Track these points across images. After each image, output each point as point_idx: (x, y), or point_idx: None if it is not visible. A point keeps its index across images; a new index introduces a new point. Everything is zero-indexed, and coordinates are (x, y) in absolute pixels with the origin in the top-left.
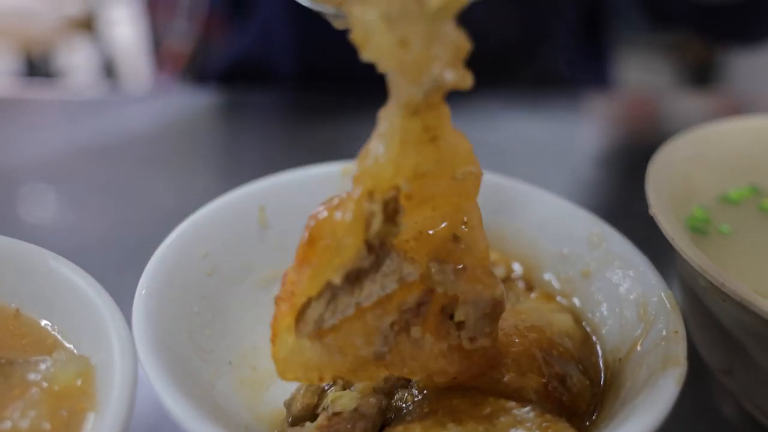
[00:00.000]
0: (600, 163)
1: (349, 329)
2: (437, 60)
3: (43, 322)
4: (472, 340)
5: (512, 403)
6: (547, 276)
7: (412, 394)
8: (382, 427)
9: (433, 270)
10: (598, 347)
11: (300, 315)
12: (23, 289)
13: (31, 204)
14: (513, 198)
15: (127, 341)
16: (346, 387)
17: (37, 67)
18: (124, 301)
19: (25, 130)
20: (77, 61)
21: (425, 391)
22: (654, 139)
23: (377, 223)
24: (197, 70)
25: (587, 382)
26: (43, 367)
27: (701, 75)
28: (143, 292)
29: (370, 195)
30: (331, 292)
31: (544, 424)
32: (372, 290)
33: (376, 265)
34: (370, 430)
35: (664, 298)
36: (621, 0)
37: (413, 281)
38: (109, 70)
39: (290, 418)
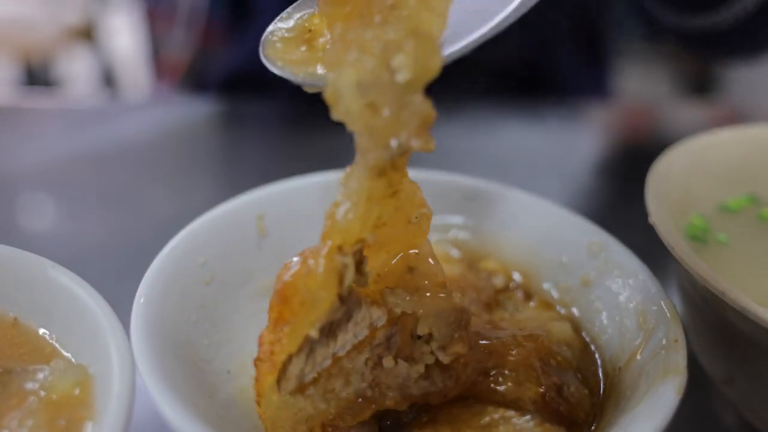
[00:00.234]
0: (599, 172)
1: (328, 377)
2: (404, 127)
3: (41, 331)
4: (444, 349)
5: (511, 412)
6: (546, 285)
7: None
8: None
9: (387, 296)
10: (598, 356)
11: (282, 372)
12: (21, 298)
13: (30, 212)
14: (512, 207)
15: (126, 350)
16: None
17: (36, 76)
18: (122, 309)
19: (24, 138)
20: (77, 70)
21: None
22: (653, 148)
23: (350, 275)
24: (196, 79)
25: (586, 392)
26: (41, 376)
27: (700, 84)
28: (141, 300)
29: (339, 249)
30: (309, 347)
31: None
32: (346, 339)
33: (348, 315)
34: None
35: (663, 306)
36: (619, 10)
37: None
38: (108, 79)
39: None
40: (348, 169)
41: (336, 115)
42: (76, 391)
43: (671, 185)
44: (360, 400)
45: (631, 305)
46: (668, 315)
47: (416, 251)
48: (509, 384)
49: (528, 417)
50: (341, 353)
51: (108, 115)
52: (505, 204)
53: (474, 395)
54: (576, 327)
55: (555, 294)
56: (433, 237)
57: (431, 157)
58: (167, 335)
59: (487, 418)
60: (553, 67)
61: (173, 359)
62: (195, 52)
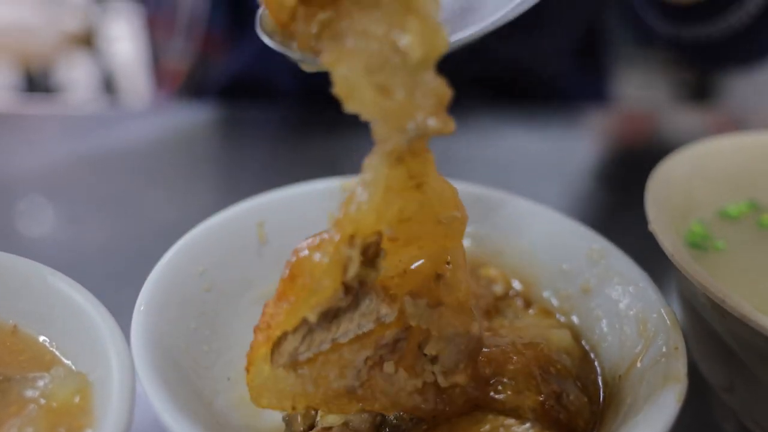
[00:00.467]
0: (599, 178)
1: (324, 362)
2: (420, 108)
3: (41, 338)
4: (446, 374)
5: (511, 420)
6: (546, 292)
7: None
8: None
9: (407, 304)
10: (597, 364)
11: (275, 347)
12: (21, 305)
13: (29, 218)
14: (512, 214)
15: (126, 358)
16: None
17: (36, 83)
18: (122, 315)
19: (24, 144)
20: (77, 76)
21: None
22: (652, 155)
23: (353, 268)
24: (196, 86)
25: (585, 400)
26: (40, 383)
27: (699, 90)
28: (142, 308)
29: (350, 239)
30: (307, 328)
31: None
32: (349, 328)
33: (354, 305)
34: None
35: (663, 314)
36: (618, 15)
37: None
38: (108, 85)
39: None
40: (367, 158)
41: (350, 106)
42: (76, 399)
43: (671, 192)
44: (349, 394)
45: (632, 313)
46: (668, 322)
47: (449, 262)
48: (509, 392)
49: (528, 425)
50: (342, 340)
51: (108, 122)
52: (506, 211)
53: (475, 403)
54: (576, 335)
55: (555, 301)
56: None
57: None
58: (167, 343)
59: (487, 426)
60: (553, 73)
61: (173, 367)
62: (195, 60)
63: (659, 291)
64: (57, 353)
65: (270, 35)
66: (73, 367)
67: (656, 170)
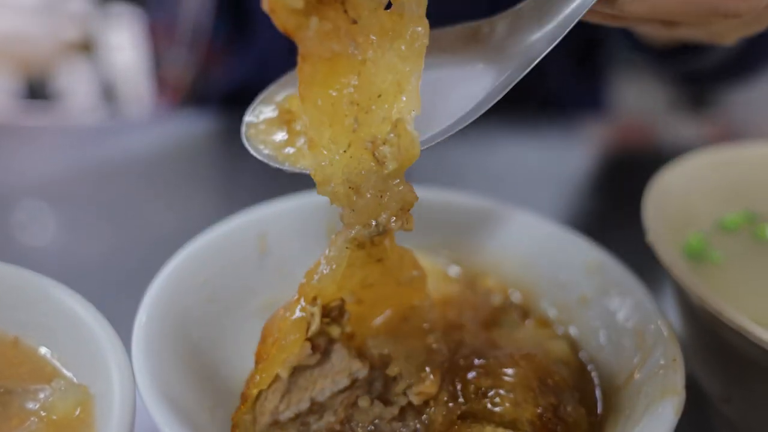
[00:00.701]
0: (596, 188)
1: (305, 414)
2: (386, 209)
3: (42, 350)
4: (412, 387)
5: None
6: (544, 303)
7: (407, 426)
8: None
9: (368, 341)
10: (596, 375)
11: (256, 406)
12: (22, 317)
13: (30, 228)
14: (511, 225)
15: (127, 370)
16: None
17: (36, 91)
18: (122, 324)
19: (24, 154)
20: (77, 84)
21: (424, 420)
22: (650, 164)
23: (315, 324)
24: (197, 96)
25: (583, 411)
26: (41, 396)
27: (697, 99)
28: (143, 320)
29: (312, 300)
30: (284, 387)
31: None
32: (324, 386)
33: (324, 362)
34: None
35: (661, 326)
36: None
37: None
38: (108, 94)
39: None
40: (334, 236)
41: (321, 193)
42: (77, 412)
43: (669, 204)
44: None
45: (629, 324)
46: (666, 335)
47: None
48: (507, 404)
49: None
50: (320, 399)
51: (108, 131)
52: (504, 222)
53: (472, 415)
54: (574, 346)
55: (553, 312)
56: (431, 255)
57: (429, 174)
58: (168, 355)
59: None
60: (550, 82)
61: (174, 379)
62: (196, 72)
63: (656, 303)
64: (58, 365)
65: (254, 145)
66: (74, 380)
67: (653, 182)
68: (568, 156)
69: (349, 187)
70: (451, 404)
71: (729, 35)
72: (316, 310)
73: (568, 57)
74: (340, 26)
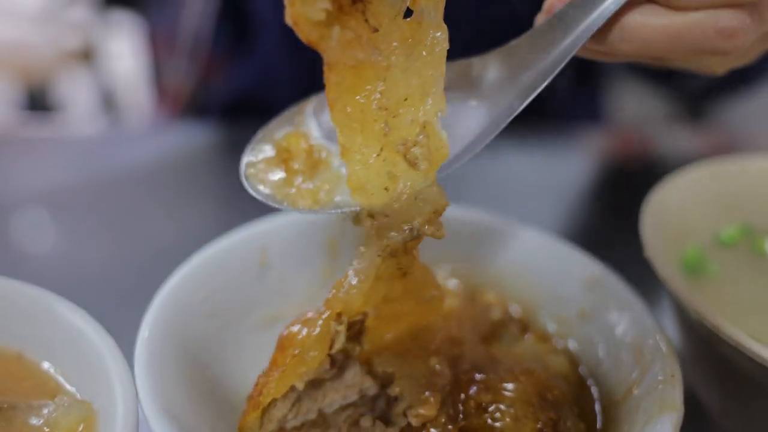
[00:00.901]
0: (595, 200)
1: (309, 426)
2: (419, 213)
3: (45, 365)
4: (411, 409)
5: None
6: (543, 318)
7: None
8: None
9: (374, 358)
10: (595, 390)
11: (265, 413)
12: (25, 332)
13: (30, 240)
14: (510, 238)
15: (129, 386)
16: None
17: (37, 100)
18: (123, 335)
19: (25, 165)
20: (77, 94)
21: None
22: (648, 175)
23: (340, 342)
24: (198, 106)
25: (583, 426)
26: (45, 411)
27: (694, 110)
28: (145, 336)
29: (338, 316)
30: (295, 396)
31: None
32: (334, 399)
33: (338, 376)
34: None
35: (659, 341)
36: None
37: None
38: (109, 103)
39: None
40: (362, 248)
41: (356, 199)
42: (80, 428)
43: (666, 217)
44: None
45: (628, 339)
46: (664, 350)
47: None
48: (507, 420)
49: None
50: (328, 411)
51: (109, 142)
52: (503, 236)
53: (472, 431)
54: (573, 360)
55: (552, 326)
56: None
57: None
58: (170, 370)
59: None
60: (548, 92)
61: (176, 394)
62: (197, 79)
63: (655, 317)
64: (61, 380)
65: (253, 185)
66: (78, 395)
67: (651, 195)
68: (566, 167)
69: (385, 188)
70: (450, 426)
71: (718, 68)
72: (342, 329)
73: (567, 68)
74: (362, 35)
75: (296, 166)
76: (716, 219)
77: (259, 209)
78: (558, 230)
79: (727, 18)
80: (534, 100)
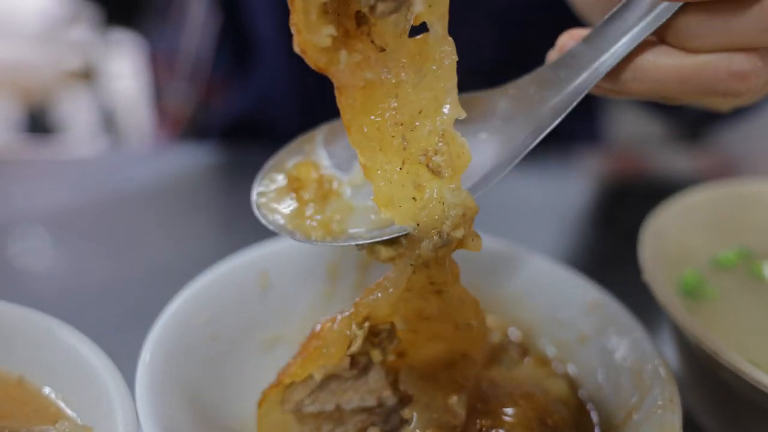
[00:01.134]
0: (594, 222)
1: (325, 417)
2: (448, 218)
3: (46, 390)
4: None
5: None
6: (542, 341)
7: None
8: None
9: (400, 374)
10: (594, 414)
11: (286, 392)
12: (27, 357)
13: (30, 262)
14: (509, 263)
15: (130, 411)
16: None
17: (37, 120)
18: (124, 361)
19: (25, 186)
20: (77, 114)
21: None
22: (647, 198)
23: (356, 345)
24: (198, 129)
25: None
26: None
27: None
28: (146, 360)
29: (362, 320)
30: (314, 385)
31: None
32: (353, 398)
33: (359, 378)
34: None
35: (658, 366)
36: None
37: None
38: (109, 123)
39: None
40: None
41: (386, 213)
42: None
43: (664, 242)
44: None
45: (627, 363)
46: (663, 375)
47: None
48: None
49: None
50: (345, 408)
51: (109, 165)
52: (503, 260)
53: None
54: (572, 385)
55: (552, 351)
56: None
57: None
58: (172, 394)
59: None
60: None
61: (178, 419)
62: (197, 101)
63: (654, 341)
64: (62, 405)
65: (266, 217)
66: (78, 420)
67: (649, 219)
68: (564, 189)
69: (413, 198)
70: None
71: (725, 107)
72: (361, 333)
73: None
74: (370, 55)
75: (307, 195)
76: (714, 243)
77: (259, 231)
78: (557, 252)
79: (740, 61)
80: None
